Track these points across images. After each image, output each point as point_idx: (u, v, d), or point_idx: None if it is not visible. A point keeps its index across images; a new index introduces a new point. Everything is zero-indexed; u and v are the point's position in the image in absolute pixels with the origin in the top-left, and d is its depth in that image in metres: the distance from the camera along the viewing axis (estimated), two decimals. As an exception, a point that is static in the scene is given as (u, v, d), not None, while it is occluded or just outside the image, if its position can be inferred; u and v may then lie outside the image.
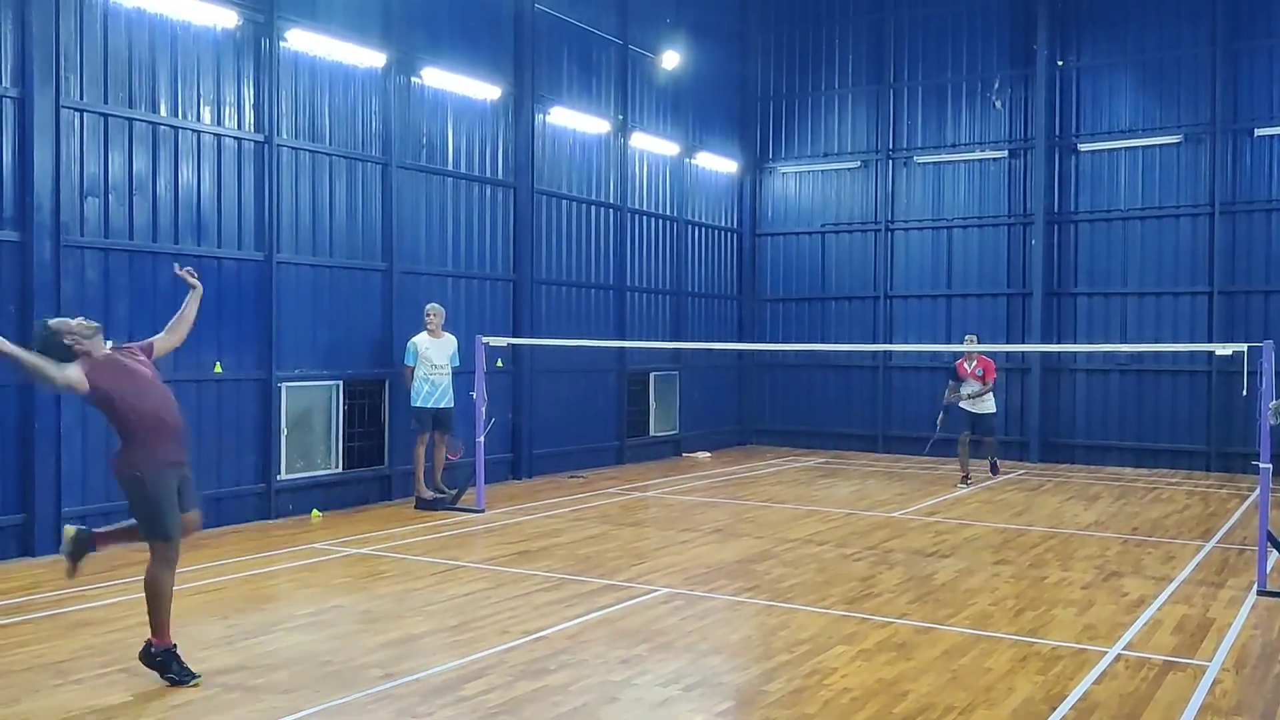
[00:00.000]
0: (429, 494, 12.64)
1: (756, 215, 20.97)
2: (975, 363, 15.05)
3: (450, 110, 14.28)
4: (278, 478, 11.87)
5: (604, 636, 7.20)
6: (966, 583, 9.07)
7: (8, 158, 9.66)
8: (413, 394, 12.59)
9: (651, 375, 18.30)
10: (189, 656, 6.68)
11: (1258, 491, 9.08)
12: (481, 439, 12.46)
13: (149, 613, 6.31)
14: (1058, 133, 18.26)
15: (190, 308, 7.03)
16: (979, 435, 15.40)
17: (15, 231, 9.67)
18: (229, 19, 11.41)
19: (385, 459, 13.21)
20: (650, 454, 18.12)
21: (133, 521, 6.54)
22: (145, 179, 10.69)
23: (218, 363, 11.31)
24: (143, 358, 6.60)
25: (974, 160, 18.97)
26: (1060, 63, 18.22)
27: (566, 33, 16.25)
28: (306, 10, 12.25)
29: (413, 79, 13.64)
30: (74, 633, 7.23)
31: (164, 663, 6.22)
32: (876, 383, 19.62)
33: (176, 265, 7.14)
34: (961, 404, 15.15)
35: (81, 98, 10.16)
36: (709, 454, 18.93)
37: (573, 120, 16.39)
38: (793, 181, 20.71)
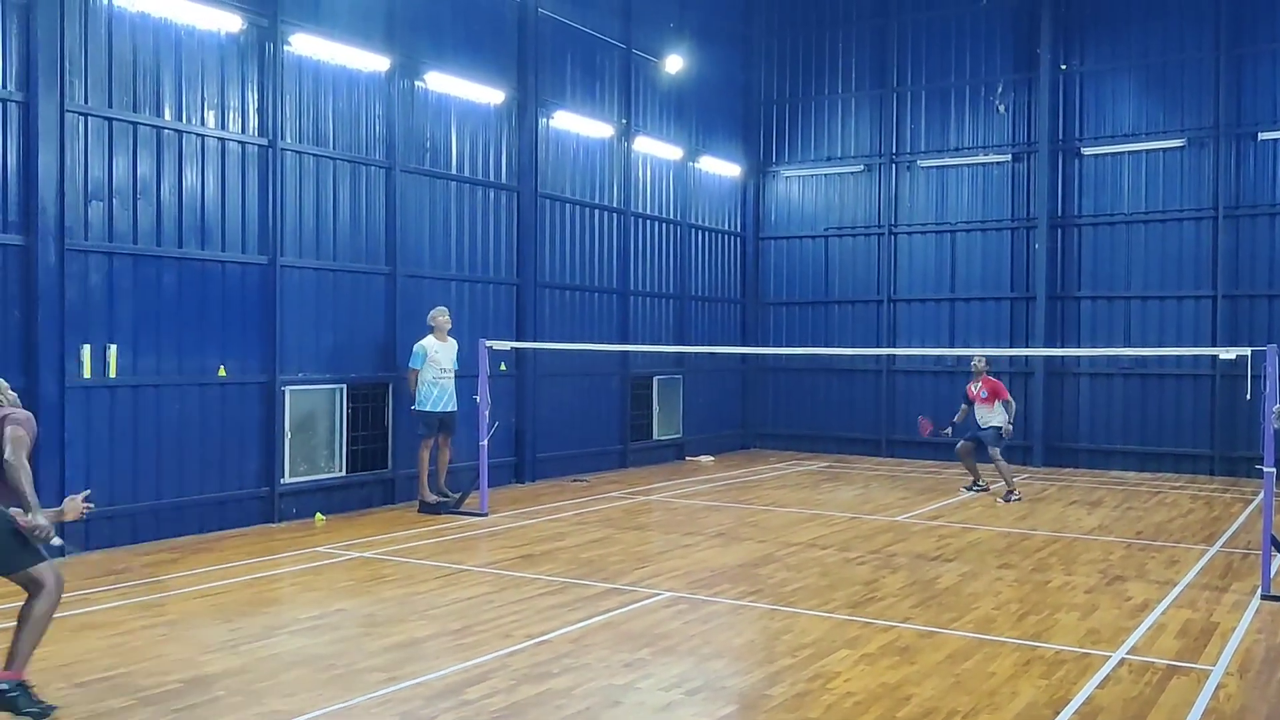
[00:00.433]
0: (433, 498, 12.65)
1: (760, 219, 20.97)
2: (980, 384, 14.37)
3: (454, 114, 14.30)
4: (281, 481, 11.88)
5: (607, 640, 7.20)
6: (970, 587, 9.06)
7: (12, 161, 9.68)
8: (421, 398, 12.59)
9: (655, 379, 18.30)
10: (191, 660, 6.70)
11: (1262, 495, 9.07)
12: (485, 443, 12.47)
13: (20, 644, 5.60)
14: (1061, 136, 18.25)
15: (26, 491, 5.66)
16: (979, 440, 14.61)
17: (20, 235, 9.69)
18: (233, 23, 11.44)
19: (389, 462, 13.21)
20: (653, 458, 18.11)
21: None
22: (149, 183, 10.71)
23: (221, 366, 11.32)
24: None
25: (977, 164, 18.97)
26: (1064, 66, 18.21)
27: (570, 37, 16.27)
28: (310, 14, 12.27)
29: (416, 83, 13.66)
30: (78, 636, 7.23)
31: (15, 703, 5.54)
32: (880, 386, 19.61)
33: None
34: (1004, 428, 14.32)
35: (86, 102, 10.18)
36: (712, 458, 18.92)
37: (576, 124, 16.40)
38: (796, 185, 20.71)
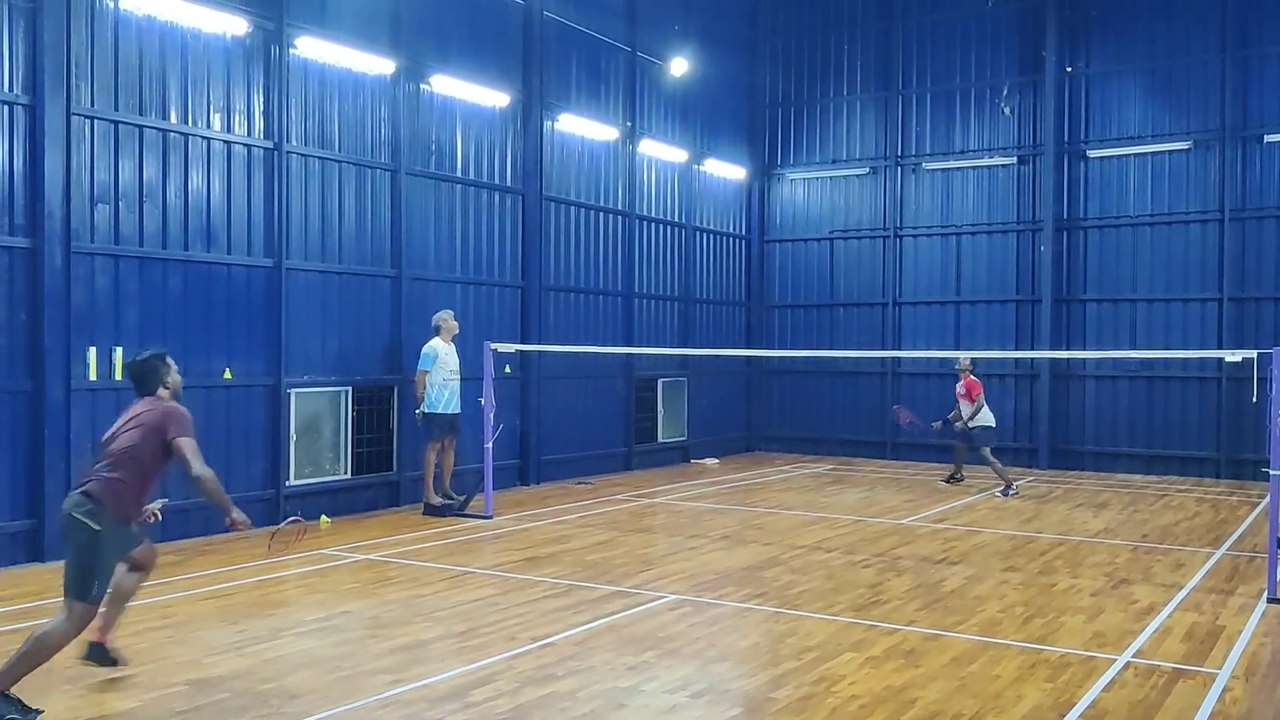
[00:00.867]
0: (438, 500, 12.66)
1: (765, 222, 20.97)
2: (961, 383, 15.19)
3: (459, 117, 14.32)
4: (286, 483, 11.89)
5: (611, 643, 7.20)
6: (975, 590, 9.05)
7: (19, 164, 9.71)
8: (431, 400, 12.58)
9: (659, 381, 18.30)
10: (196, 662, 6.71)
11: (1268, 498, 9.05)
12: (490, 445, 12.47)
13: (16, 662, 5.72)
14: (1067, 139, 18.23)
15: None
16: (965, 442, 15.50)
17: (26, 238, 9.71)
18: (239, 26, 11.46)
19: (394, 465, 13.23)
20: (658, 460, 18.11)
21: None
22: (155, 186, 10.74)
23: (227, 368, 11.34)
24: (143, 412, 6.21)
25: (983, 166, 18.95)
26: (1069, 69, 18.19)
27: (575, 40, 16.29)
28: (316, 18, 12.30)
29: (422, 86, 13.68)
30: (83, 638, 7.22)
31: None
32: (885, 389, 19.59)
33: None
34: (962, 423, 15.30)
35: (92, 105, 10.21)
36: (717, 460, 18.92)
37: (581, 127, 16.42)
38: (801, 188, 20.71)
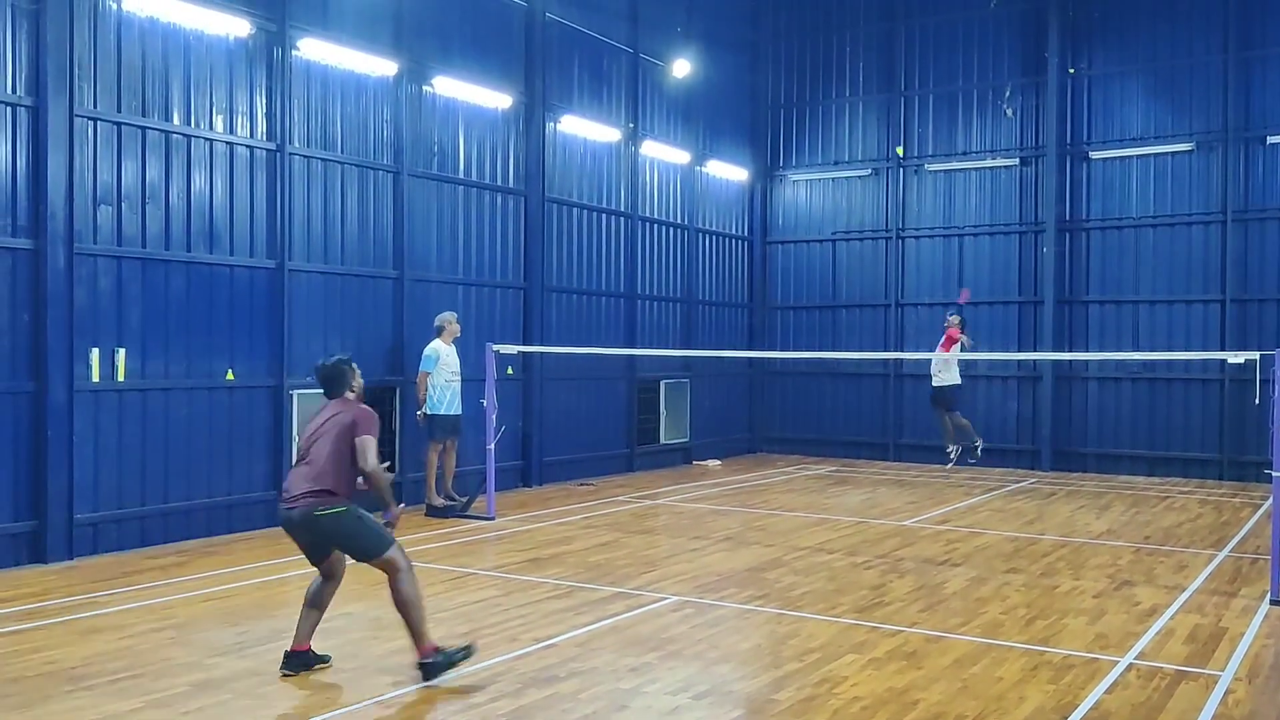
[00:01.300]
0: (440, 501, 12.66)
1: (767, 223, 20.97)
2: (943, 338, 15.49)
3: (461, 118, 14.33)
4: (289, 485, 11.88)
5: (614, 644, 7.20)
6: (977, 591, 9.05)
7: (22, 166, 9.72)
8: (433, 401, 12.58)
9: (662, 383, 18.30)
10: (198, 664, 6.72)
11: (1271, 500, 9.04)
12: (492, 446, 12.48)
13: (414, 626, 6.41)
14: (1069, 140, 18.23)
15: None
16: (944, 407, 15.62)
17: (29, 239, 9.73)
18: (242, 28, 11.48)
19: (395, 466, 13.22)
20: (660, 462, 18.11)
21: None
22: (158, 187, 10.75)
23: (229, 370, 11.35)
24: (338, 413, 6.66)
25: (985, 168, 18.94)
26: (1071, 70, 18.18)
27: (577, 41, 16.30)
28: (318, 19, 12.31)
29: (424, 87, 13.69)
30: (86, 639, 7.25)
31: (448, 659, 6.40)
32: (887, 391, 19.58)
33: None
34: (934, 381, 15.61)
35: (95, 106, 10.22)
36: (719, 462, 18.92)
37: (583, 128, 16.42)
38: (803, 189, 20.71)
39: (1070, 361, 17.95)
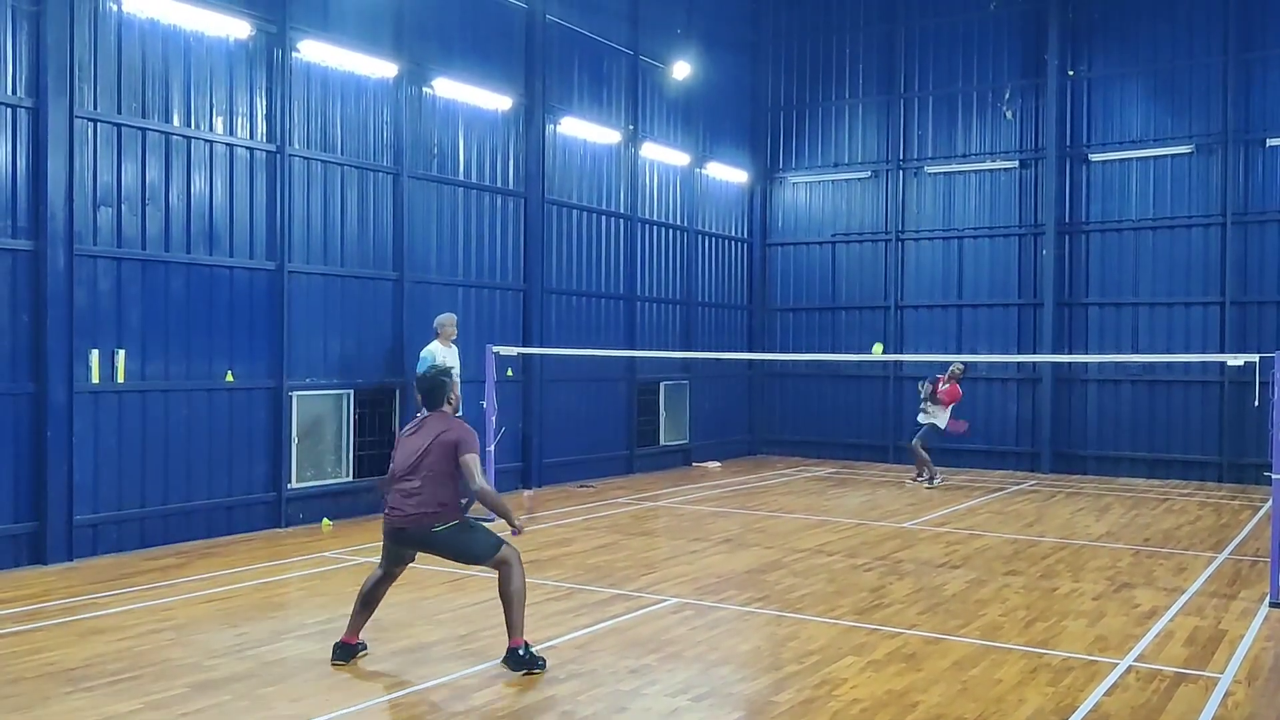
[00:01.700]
0: (439, 503, 12.64)
1: (767, 225, 20.97)
2: (947, 386, 16.05)
3: (461, 120, 14.33)
4: (288, 486, 11.90)
5: (613, 646, 7.19)
6: (977, 594, 9.05)
7: (22, 167, 9.73)
8: None
9: (661, 385, 18.30)
10: (198, 665, 6.72)
11: (1270, 503, 9.04)
12: (491, 448, 12.46)
13: (513, 617, 6.66)
14: (1069, 143, 18.24)
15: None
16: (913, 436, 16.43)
17: (29, 241, 9.73)
18: (242, 30, 11.48)
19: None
20: (660, 463, 18.11)
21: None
22: (158, 189, 10.75)
23: (229, 371, 11.35)
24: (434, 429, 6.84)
25: (985, 170, 18.95)
26: (1071, 73, 18.20)
27: (577, 43, 16.30)
28: (319, 21, 12.31)
29: (424, 89, 13.69)
30: (85, 640, 7.25)
31: (532, 658, 6.62)
32: (887, 393, 19.58)
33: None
34: (920, 417, 16.28)
35: (95, 108, 10.23)
36: (719, 463, 18.91)
37: (583, 130, 16.43)
38: (803, 191, 20.72)
39: (1070, 364, 17.96)
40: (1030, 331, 18.43)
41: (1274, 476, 8.75)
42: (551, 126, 15.75)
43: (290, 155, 11.95)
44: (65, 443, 9.86)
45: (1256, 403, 10.76)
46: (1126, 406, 17.76)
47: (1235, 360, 10.19)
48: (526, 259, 15.35)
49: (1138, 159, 17.74)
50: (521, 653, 6.60)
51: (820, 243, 20.45)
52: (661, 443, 18.29)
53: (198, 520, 11.02)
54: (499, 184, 14.93)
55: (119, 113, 10.42)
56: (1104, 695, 6.36)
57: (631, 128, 17.43)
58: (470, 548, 6.75)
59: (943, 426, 16.08)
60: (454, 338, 12.89)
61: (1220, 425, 17.00)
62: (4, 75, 9.63)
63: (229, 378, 11.35)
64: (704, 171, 19.45)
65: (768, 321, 20.92)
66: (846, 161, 20.22)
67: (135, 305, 10.52)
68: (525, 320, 15.35)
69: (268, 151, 11.77)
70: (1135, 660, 7.09)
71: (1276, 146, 16.75)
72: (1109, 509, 14.11)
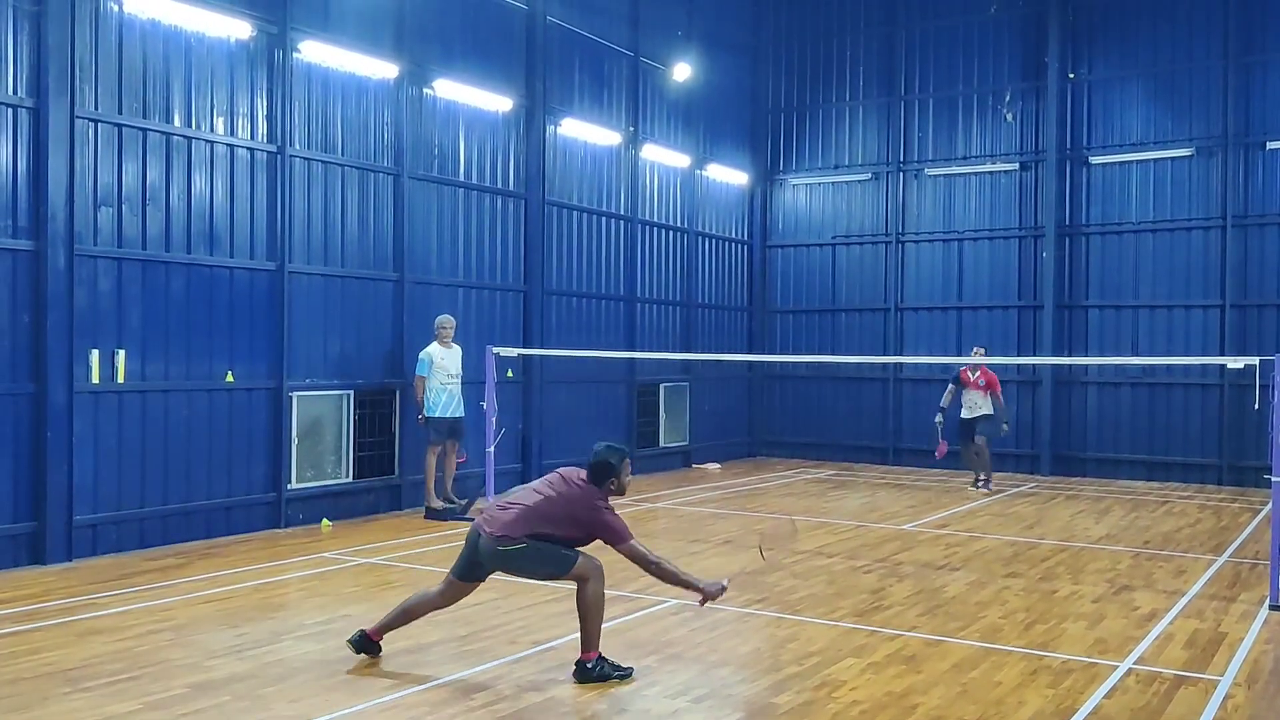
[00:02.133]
0: (439, 504, 12.66)
1: (767, 227, 20.97)
2: (979, 374, 15.44)
3: (462, 121, 14.34)
4: (288, 487, 11.89)
5: (613, 648, 7.18)
6: (977, 596, 9.04)
7: (23, 167, 9.72)
8: (429, 404, 12.58)
9: (661, 386, 18.30)
10: (197, 665, 6.72)
11: (1270, 505, 9.04)
12: (491, 449, 12.47)
13: (587, 629, 6.63)
14: (1069, 145, 18.24)
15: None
16: (973, 439, 15.74)
17: (29, 241, 9.73)
18: (243, 30, 11.48)
19: (395, 469, 13.23)
20: (660, 465, 18.10)
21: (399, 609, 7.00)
22: (159, 189, 10.75)
23: (229, 372, 11.35)
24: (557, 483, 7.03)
25: (985, 172, 18.96)
26: (1071, 75, 18.20)
27: (578, 45, 16.31)
28: (320, 22, 12.32)
29: (425, 90, 13.69)
30: (85, 640, 7.25)
31: (602, 671, 6.54)
32: (887, 395, 19.58)
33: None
34: (961, 413, 15.57)
35: (96, 108, 10.23)
36: (719, 465, 18.91)
37: (584, 132, 16.43)
38: (803, 193, 20.72)
39: (1070, 366, 17.96)
40: (1030, 334, 18.43)
41: (1274, 479, 8.74)
42: (552, 128, 15.75)
43: (291, 156, 11.95)
44: (65, 443, 9.86)
45: (1256, 405, 10.76)
46: (1126, 409, 17.76)
47: (1235, 363, 10.21)
48: (527, 260, 15.35)
49: (1138, 162, 17.74)
50: (591, 666, 6.52)
51: (820, 244, 20.46)
52: (661, 444, 18.29)
53: (197, 520, 11.02)
54: (499, 185, 14.93)
55: (120, 113, 10.42)
56: (1104, 698, 6.36)
57: (632, 129, 17.43)
58: (541, 565, 6.65)
59: (994, 414, 15.57)
60: (450, 339, 12.90)
61: (1220, 428, 16.99)
62: (5, 75, 9.63)
63: (229, 378, 11.35)
64: (704, 173, 19.45)
65: (768, 323, 20.92)
66: (847, 163, 20.22)
67: (136, 305, 10.52)
68: (525, 321, 15.35)
69: (268, 152, 11.77)
70: (1135, 663, 7.09)
71: (1277, 150, 16.75)
72: (1109, 511, 14.11)
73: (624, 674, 6.58)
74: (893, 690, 6.44)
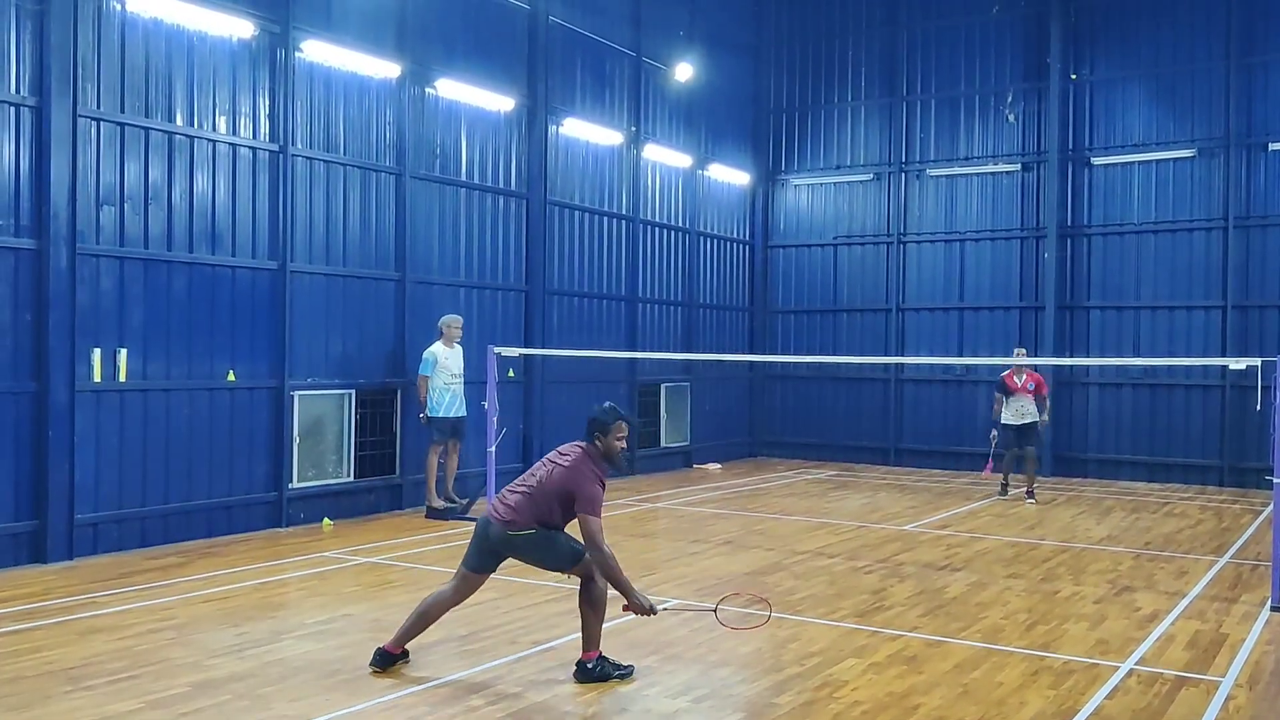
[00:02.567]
0: (440, 503, 12.66)
1: (768, 227, 20.97)
2: (1025, 377, 14.70)
3: (464, 121, 14.34)
4: (289, 486, 11.90)
5: (614, 647, 7.17)
6: (978, 596, 9.04)
7: (25, 166, 9.73)
8: (433, 404, 12.58)
9: (663, 386, 18.30)
10: (198, 664, 6.72)
11: (1271, 507, 9.04)
12: (492, 449, 12.47)
13: (588, 628, 6.61)
14: (1070, 146, 18.23)
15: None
16: (1023, 447, 14.81)
17: (31, 240, 9.73)
18: (245, 29, 11.49)
19: (396, 468, 13.23)
20: (661, 465, 18.10)
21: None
22: (161, 188, 10.76)
23: (231, 371, 11.35)
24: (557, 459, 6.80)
25: (986, 173, 18.95)
26: (1073, 76, 18.20)
27: (580, 45, 16.31)
28: (322, 21, 12.32)
29: (427, 90, 13.69)
30: (85, 639, 7.25)
31: (603, 671, 6.52)
32: (888, 395, 19.58)
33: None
34: (1010, 421, 14.75)
35: (98, 107, 10.23)
36: (720, 465, 18.91)
37: (585, 131, 16.43)
38: (805, 194, 20.72)
39: (1071, 367, 17.95)
40: (1031, 334, 18.41)
41: (1275, 480, 8.74)
42: (554, 128, 15.75)
43: (293, 155, 11.95)
44: (67, 442, 9.86)
45: (1258, 406, 10.75)
46: (1127, 410, 17.75)
47: (1237, 364, 10.19)
48: (528, 260, 15.35)
49: (1139, 162, 17.73)
50: (591, 666, 6.52)
51: (822, 245, 20.45)
52: (662, 444, 18.29)
53: (198, 520, 11.02)
54: (501, 185, 14.93)
55: (122, 112, 10.43)
56: (1105, 698, 6.36)
57: (634, 129, 17.43)
58: (546, 555, 6.62)
59: (1046, 419, 15.04)
60: (458, 339, 12.90)
61: (1221, 429, 16.99)
62: (7, 74, 9.63)
63: (230, 377, 11.35)
64: (706, 173, 19.45)
65: (769, 323, 20.91)
66: (848, 164, 20.22)
67: (137, 304, 10.52)
68: (527, 321, 15.35)
69: (270, 151, 11.77)
70: (1136, 664, 7.09)
71: (1278, 150, 16.75)
72: (1110, 512, 14.10)
73: (624, 673, 6.58)
74: (894, 691, 6.44)
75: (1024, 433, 14.80)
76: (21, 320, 9.67)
